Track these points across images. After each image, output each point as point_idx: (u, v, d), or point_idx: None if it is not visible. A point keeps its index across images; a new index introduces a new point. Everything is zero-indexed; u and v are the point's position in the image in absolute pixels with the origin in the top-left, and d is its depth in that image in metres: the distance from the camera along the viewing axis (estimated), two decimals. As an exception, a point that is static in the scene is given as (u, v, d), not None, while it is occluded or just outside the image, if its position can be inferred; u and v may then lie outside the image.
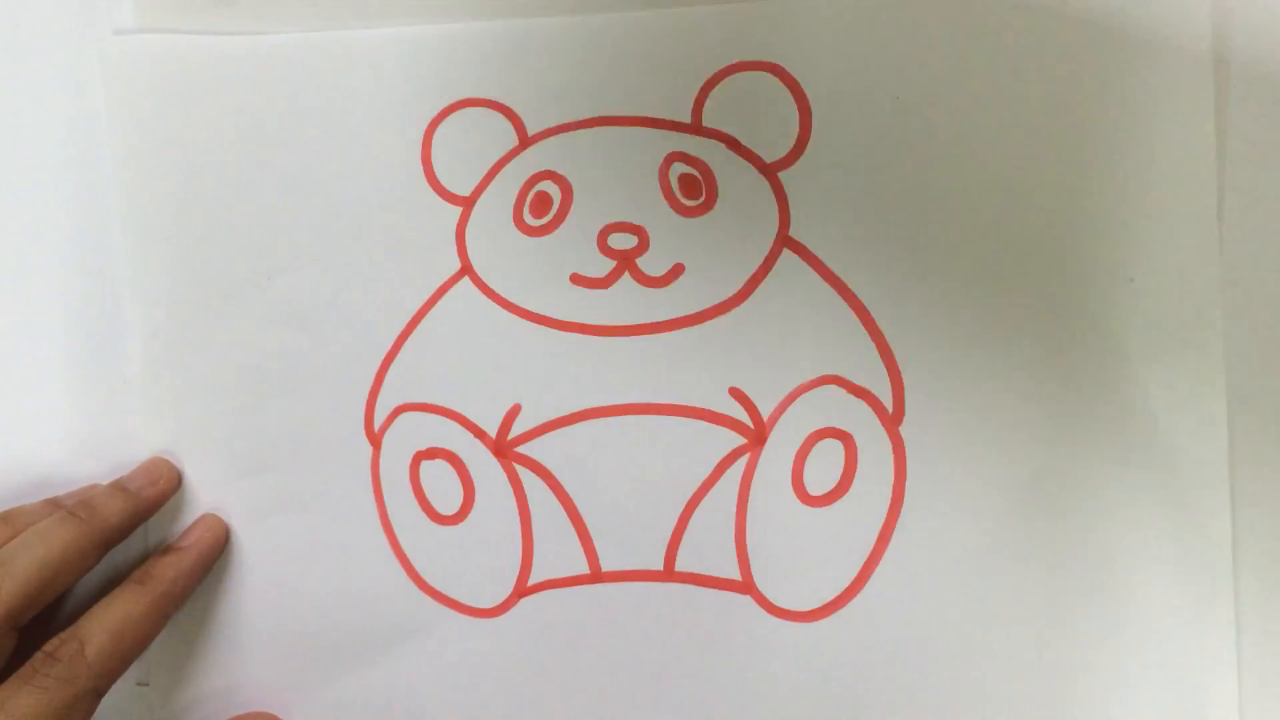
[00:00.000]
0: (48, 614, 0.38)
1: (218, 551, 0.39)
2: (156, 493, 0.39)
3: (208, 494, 0.40)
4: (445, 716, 0.39)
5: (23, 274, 0.41)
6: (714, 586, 0.37)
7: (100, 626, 0.35)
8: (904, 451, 0.36)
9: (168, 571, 0.38)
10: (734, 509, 0.37)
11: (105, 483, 0.39)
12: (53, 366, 0.41)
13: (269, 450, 0.39)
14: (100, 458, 0.40)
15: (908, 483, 0.37)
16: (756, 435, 0.37)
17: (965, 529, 0.36)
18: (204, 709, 0.40)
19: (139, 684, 0.41)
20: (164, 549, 0.39)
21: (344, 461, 0.39)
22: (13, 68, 0.41)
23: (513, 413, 0.38)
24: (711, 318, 0.37)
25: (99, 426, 0.41)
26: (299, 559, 0.39)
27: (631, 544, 0.38)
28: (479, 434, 0.38)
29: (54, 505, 0.38)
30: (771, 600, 0.37)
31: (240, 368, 0.39)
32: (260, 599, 0.40)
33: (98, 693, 0.35)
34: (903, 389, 0.36)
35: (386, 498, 0.39)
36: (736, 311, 0.37)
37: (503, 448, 0.38)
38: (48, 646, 0.35)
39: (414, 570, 0.39)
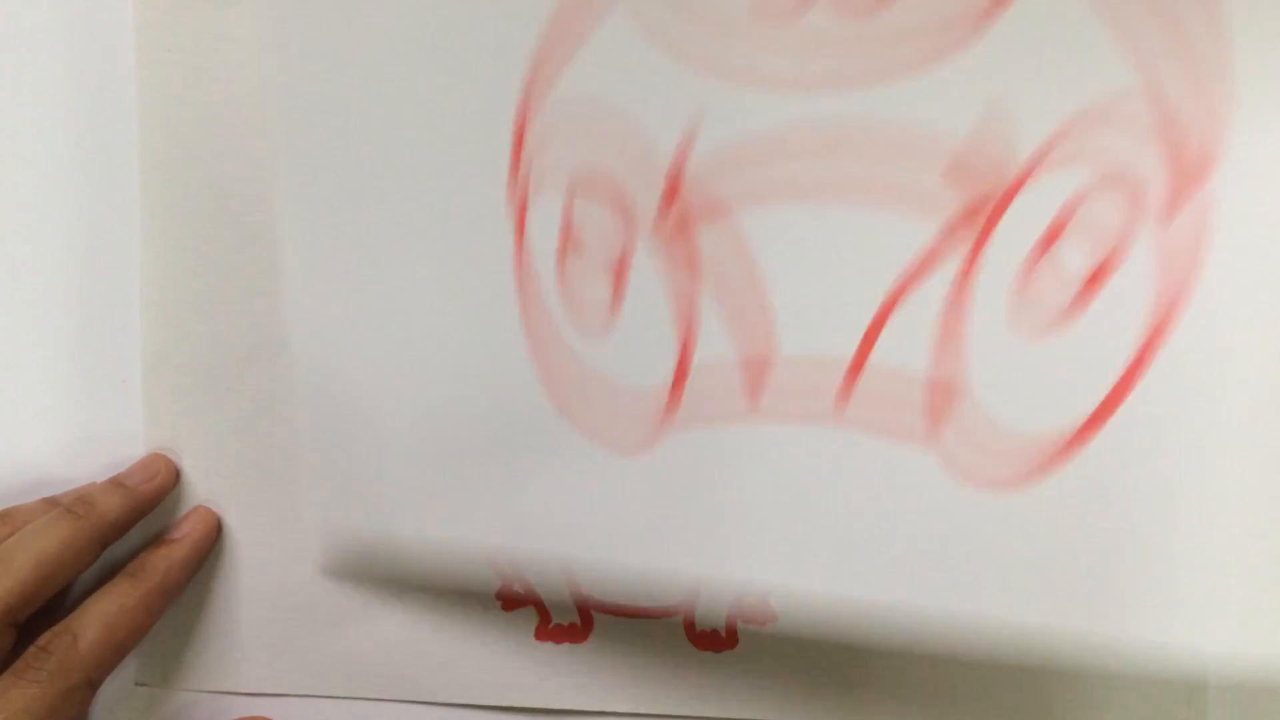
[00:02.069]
0: (46, 611, 0.37)
1: (210, 543, 0.39)
2: (154, 488, 0.39)
3: (206, 489, 0.40)
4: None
5: (24, 272, 0.40)
6: (893, 437, 0.32)
7: (93, 620, 0.35)
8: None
9: (160, 564, 0.37)
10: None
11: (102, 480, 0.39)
12: (53, 366, 0.40)
13: (275, 450, 0.39)
14: (100, 457, 0.40)
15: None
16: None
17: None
18: (203, 708, 0.40)
19: (138, 684, 0.40)
20: (156, 542, 0.39)
21: None
22: (18, 67, 0.40)
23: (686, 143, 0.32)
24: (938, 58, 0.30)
25: (99, 426, 0.40)
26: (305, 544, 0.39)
27: (817, 329, 0.32)
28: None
29: (52, 504, 0.38)
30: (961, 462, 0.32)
31: (249, 369, 0.39)
32: (259, 594, 0.39)
33: (92, 685, 0.35)
34: None
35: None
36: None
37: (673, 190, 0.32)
38: (41, 640, 0.34)
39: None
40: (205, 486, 0.39)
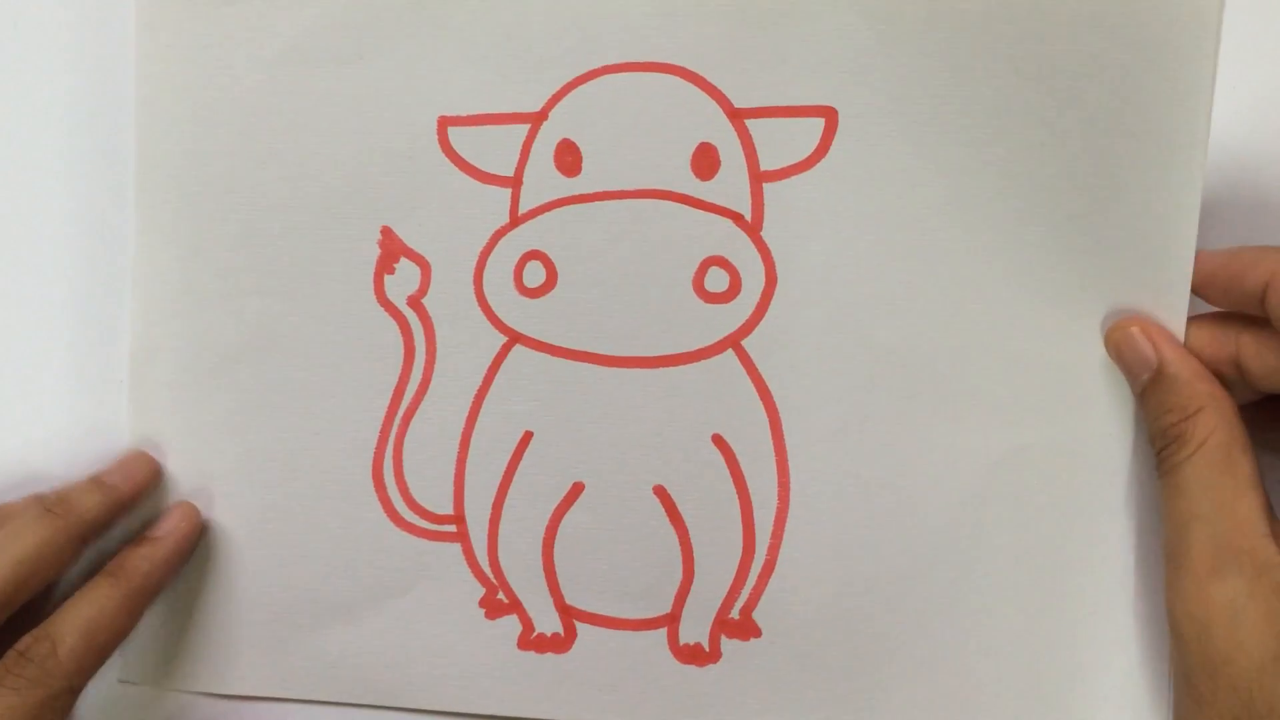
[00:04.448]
0: (30, 612, 0.36)
1: (194, 541, 0.39)
2: (134, 486, 0.38)
3: (195, 488, 0.39)
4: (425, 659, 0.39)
5: (16, 269, 0.40)
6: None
7: (72, 624, 0.35)
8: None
9: (141, 564, 0.37)
10: None
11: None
12: (44, 363, 0.40)
13: (264, 450, 0.39)
14: (93, 454, 0.40)
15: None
16: None
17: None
18: (191, 711, 0.40)
19: (121, 681, 0.40)
20: (137, 540, 0.38)
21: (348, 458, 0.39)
22: (16, 64, 0.40)
23: None
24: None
25: (90, 423, 0.40)
26: (290, 547, 0.39)
27: None
28: None
29: (38, 501, 0.37)
30: None
31: (238, 368, 0.39)
32: (244, 595, 0.39)
33: (73, 691, 0.34)
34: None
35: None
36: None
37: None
38: (19, 646, 0.34)
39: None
40: (195, 485, 0.39)
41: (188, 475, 0.39)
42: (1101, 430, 0.35)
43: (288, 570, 0.39)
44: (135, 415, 0.39)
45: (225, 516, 0.39)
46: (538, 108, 0.37)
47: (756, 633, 0.37)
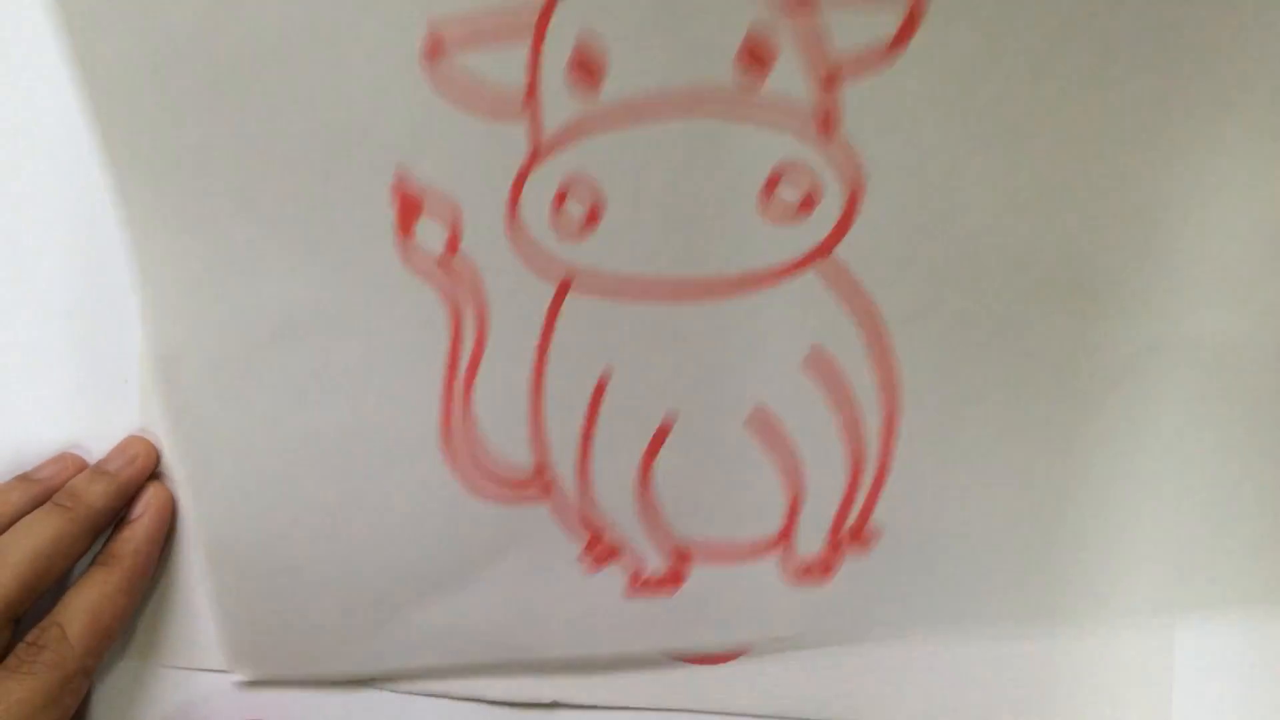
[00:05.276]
0: (37, 605, 0.37)
1: (168, 515, 0.39)
2: (136, 471, 0.38)
3: (240, 486, 0.37)
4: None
5: (22, 271, 0.39)
6: None
7: (78, 610, 0.36)
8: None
9: (127, 546, 0.38)
10: None
11: (71, 452, 0.39)
12: (55, 366, 0.39)
13: (326, 438, 0.36)
14: (100, 451, 0.39)
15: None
16: None
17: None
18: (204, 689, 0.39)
19: (238, 684, 0.39)
20: (117, 525, 0.38)
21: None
22: (16, 61, 0.38)
23: None
24: None
25: (104, 425, 0.39)
26: (369, 534, 0.37)
27: None
28: None
29: (24, 480, 0.38)
30: None
31: (273, 356, 0.36)
32: (340, 578, 0.37)
33: (86, 672, 0.36)
34: None
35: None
36: None
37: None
38: (29, 636, 0.36)
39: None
40: (249, 483, 0.37)
41: (235, 475, 0.37)
42: (1243, 325, 0.33)
43: (375, 555, 0.37)
44: (169, 418, 0.37)
45: (291, 512, 0.37)
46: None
47: (875, 538, 0.36)
